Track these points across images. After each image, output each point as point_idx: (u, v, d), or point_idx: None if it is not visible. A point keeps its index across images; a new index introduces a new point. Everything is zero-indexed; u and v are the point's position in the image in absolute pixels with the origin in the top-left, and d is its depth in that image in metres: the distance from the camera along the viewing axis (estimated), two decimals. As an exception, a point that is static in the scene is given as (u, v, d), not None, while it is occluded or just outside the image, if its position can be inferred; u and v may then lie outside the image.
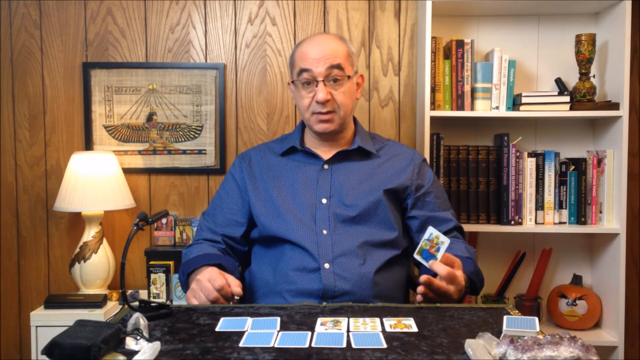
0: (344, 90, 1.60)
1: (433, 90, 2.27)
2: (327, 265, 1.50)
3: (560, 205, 2.33)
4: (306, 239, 1.53)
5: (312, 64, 1.57)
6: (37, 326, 2.20)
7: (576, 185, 2.32)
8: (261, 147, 1.77)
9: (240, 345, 1.04)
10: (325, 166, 1.64)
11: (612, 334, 2.26)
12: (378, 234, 1.57)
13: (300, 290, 1.49)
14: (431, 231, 1.35)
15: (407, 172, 1.66)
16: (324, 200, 1.60)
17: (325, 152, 1.67)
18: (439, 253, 1.33)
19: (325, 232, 1.55)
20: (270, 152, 1.72)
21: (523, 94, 2.26)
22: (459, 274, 1.37)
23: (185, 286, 1.56)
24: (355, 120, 1.75)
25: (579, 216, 2.32)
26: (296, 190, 1.62)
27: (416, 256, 1.36)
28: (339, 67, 1.58)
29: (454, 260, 1.38)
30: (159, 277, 2.29)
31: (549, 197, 2.32)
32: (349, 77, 1.60)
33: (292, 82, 1.64)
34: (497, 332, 1.08)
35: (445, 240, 1.32)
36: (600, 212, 2.31)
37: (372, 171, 1.64)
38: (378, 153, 1.68)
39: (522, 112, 2.26)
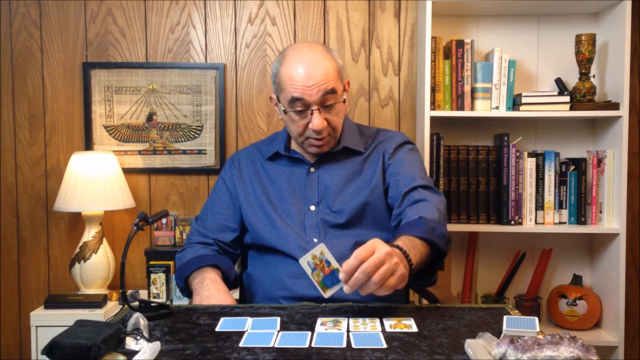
0: (338, 111, 1.54)
1: (433, 90, 2.27)
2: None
3: (560, 205, 2.33)
4: (297, 248, 1.50)
5: (305, 92, 1.47)
6: (37, 326, 2.20)
7: (576, 185, 2.32)
8: (251, 149, 1.73)
9: (240, 345, 1.04)
10: (312, 169, 1.61)
11: (612, 334, 2.26)
12: (370, 234, 1.53)
13: (297, 296, 1.47)
14: (320, 249, 1.16)
15: (385, 158, 1.61)
16: (312, 208, 1.57)
17: (312, 155, 1.62)
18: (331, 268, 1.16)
19: (315, 240, 1.53)
20: (259, 155, 1.68)
21: (523, 94, 2.26)
22: (371, 246, 1.15)
23: (185, 291, 1.56)
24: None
25: (579, 216, 2.32)
26: (284, 197, 1.59)
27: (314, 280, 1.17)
28: (332, 91, 1.49)
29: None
30: (159, 277, 2.29)
31: (549, 197, 2.32)
32: (343, 100, 1.55)
33: (284, 111, 1.54)
34: (497, 332, 1.08)
35: (335, 265, 1.15)
36: (600, 212, 2.31)
37: (358, 169, 1.60)
38: (364, 148, 1.63)
39: (522, 112, 2.26)
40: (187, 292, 1.54)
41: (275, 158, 1.66)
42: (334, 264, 1.16)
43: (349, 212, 1.54)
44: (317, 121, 1.49)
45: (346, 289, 1.13)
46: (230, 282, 1.54)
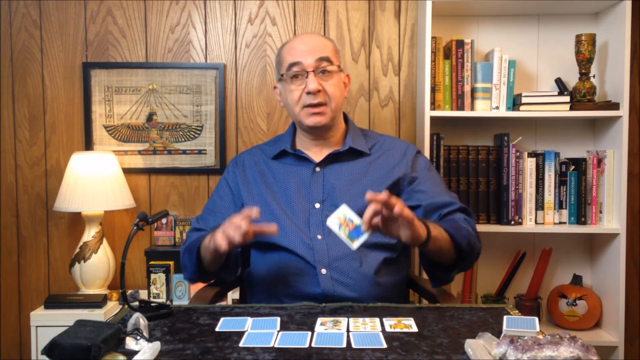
0: (334, 82, 1.59)
1: (433, 90, 2.27)
2: (324, 271, 1.49)
3: (560, 205, 2.33)
4: (301, 245, 1.52)
5: (301, 56, 1.57)
6: (37, 326, 2.20)
7: (576, 185, 2.32)
8: (254, 150, 1.75)
9: (240, 345, 1.04)
10: (317, 169, 1.62)
11: (612, 334, 2.26)
12: (373, 235, 1.56)
13: (299, 293, 1.48)
14: (343, 210, 1.30)
15: (400, 166, 1.63)
16: (317, 205, 1.58)
17: (317, 154, 1.64)
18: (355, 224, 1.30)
19: (319, 237, 1.53)
20: (262, 155, 1.70)
21: (523, 94, 2.26)
22: (400, 210, 1.27)
23: (198, 272, 1.54)
24: (346, 117, 1.72)
25: (579, 216, 2.32)
26: (289, 195, 1.60)
27: (340, 234, 1.30)
28: (327, 59, 1.58)
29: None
30: (159, 277, 2.29)
31: (549, 197, 2.32)
32: (338, 67, 1.61)
33: (281, 77, 1.62)
34: (497, 332, 1.08)
35: (357, 221, 1.29)
36: (600, 212, 2.31)
37: (365, 170, 1.62)
38: (370, 151, 1.65)
39: (522, 112, 2.26)
40: (201, 271, 1.53)
41: (280, 157, 1.67)
42: (356, 220, 1.29)
43: (355, 211, 1.54)
44: (312, 83, 1.56)
45: (368, 223, 1.26)
46: (231, 260, 1.54)
